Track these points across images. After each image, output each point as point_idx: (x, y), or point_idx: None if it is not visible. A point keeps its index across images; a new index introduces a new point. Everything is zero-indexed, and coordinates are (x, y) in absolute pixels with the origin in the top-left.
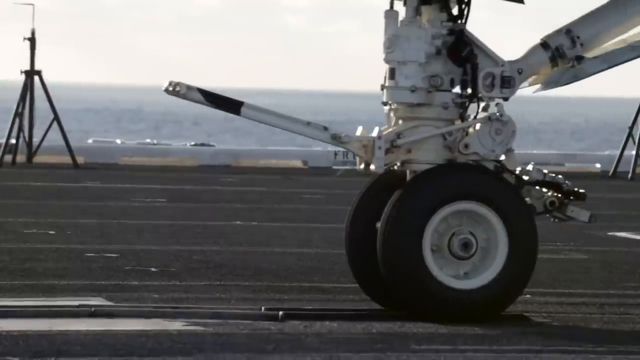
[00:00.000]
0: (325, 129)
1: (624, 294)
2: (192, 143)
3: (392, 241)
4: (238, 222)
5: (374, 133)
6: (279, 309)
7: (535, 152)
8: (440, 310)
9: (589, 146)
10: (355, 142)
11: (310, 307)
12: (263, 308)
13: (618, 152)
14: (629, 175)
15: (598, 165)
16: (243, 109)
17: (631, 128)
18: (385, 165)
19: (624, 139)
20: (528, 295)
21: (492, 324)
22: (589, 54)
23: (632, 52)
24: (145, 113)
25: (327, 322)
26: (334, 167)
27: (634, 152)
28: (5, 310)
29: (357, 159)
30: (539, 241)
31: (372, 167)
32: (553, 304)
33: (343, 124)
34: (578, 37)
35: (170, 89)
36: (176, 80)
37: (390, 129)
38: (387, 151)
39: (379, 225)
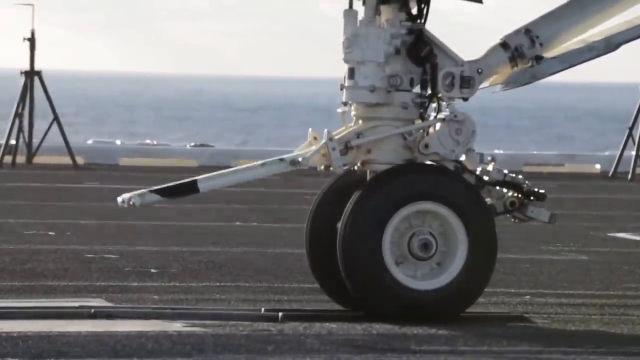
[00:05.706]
0: (282, 160)
1: (624, 294)
2: (192, 144)
3: (351, 241)
4: (238, 223)
5: (324, 137)
6: (278, 310)
7: (535, 152)
8: (399, 310)
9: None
10: (315, 157)
11: (310, 308)
12: (263, 309)
13: (618, 153)
14: (629, 176)
15: (598, 166)
16: (200, 185)
17: (631, 128)
18: (344, 165)
19: (624, 139)
20: (528, 297)
21: (492, 325)
22: (548, 54)
23: (591, 52)
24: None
25: (327, 323)
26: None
27: (633, 153)
28: (5, 311)
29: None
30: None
31: (331, 168)
32: (553, 304)
33: None
34: (537, 37)
35: (125, 205)
36: (128, 194)
37: (349, 129)
38: (343, 151)
39: (339, 225)
